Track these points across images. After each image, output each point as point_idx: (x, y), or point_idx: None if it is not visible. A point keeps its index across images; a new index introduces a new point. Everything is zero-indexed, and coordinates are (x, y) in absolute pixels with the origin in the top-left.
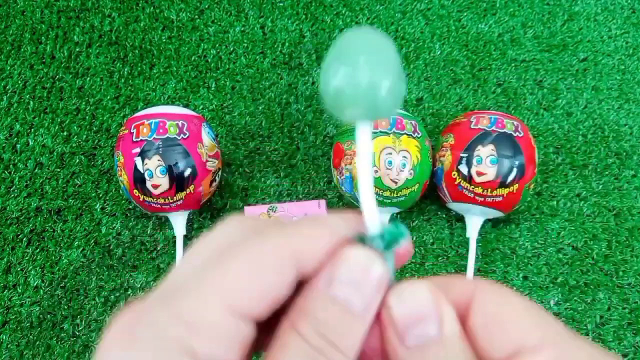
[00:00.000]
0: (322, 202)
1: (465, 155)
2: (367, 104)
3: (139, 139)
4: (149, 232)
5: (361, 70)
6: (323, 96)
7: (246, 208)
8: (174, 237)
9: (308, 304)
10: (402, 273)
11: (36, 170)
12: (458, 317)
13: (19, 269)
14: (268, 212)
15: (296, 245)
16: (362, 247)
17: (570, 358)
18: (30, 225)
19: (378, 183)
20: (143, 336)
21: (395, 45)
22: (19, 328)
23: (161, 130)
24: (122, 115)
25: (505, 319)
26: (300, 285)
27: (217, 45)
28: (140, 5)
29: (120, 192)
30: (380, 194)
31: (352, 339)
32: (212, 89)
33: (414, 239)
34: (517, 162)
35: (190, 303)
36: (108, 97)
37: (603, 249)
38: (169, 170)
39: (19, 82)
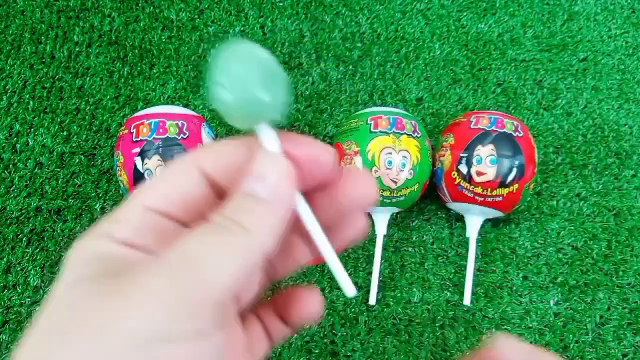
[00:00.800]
0: None
1: (465, 155)
2: (251, 114)
3: (139, 139)
4: None
5: (238, 84)
6: (217, 108)
7: None
8: None
9: (225, 202)
10: (403, 273)
11: (36, 170)
12: None
13: (19, 269)
14: None
15: (196, 155)
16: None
17: None
18: (30, 225)
19: (378, 183)
20: (83, 237)
21: (271, 54)
22: (19, 328)
23: (161, 130)
24: (122, 115)
25: None
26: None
27: (217, 45)
28: (140, 5)
29: (120, 192)
30: (380, 194)
31: (258, 222)
32: None
33: (414, 239)
34: (517, 162)
35: (119, 210)
36: (108, 97)
37: (603, 249)
38: None
39: (19, 82)
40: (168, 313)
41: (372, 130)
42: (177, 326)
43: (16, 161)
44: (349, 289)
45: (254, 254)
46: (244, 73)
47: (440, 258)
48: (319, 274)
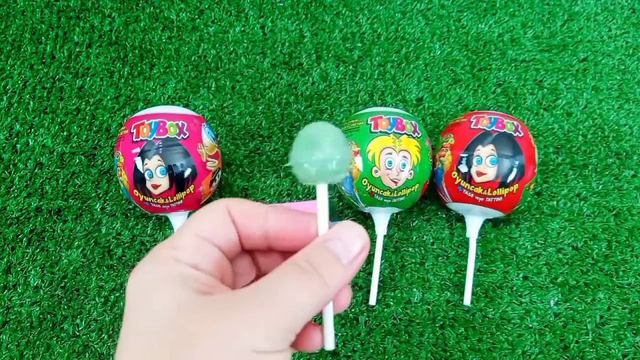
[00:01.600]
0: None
1: (465, 155)
2: (321, 177)
3: (139, 139)
4: (149, 232)
5: (317, 155)
6: (294, 170)
7: None
8: None
9: (306, 249)
10: (403, 273)
11: (36, 170)
12: None
13: (19, 269)
14: None
15: (226, 202)
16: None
17: None
18: (30, 225)
19: (378, 183)
20: (149, 262)
21: (339, 129)
22: (19, 328)
23: (161, 130)
24: (122, 115)
25: None
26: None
27: (217, 45)
28: (140, 5)
29: (120, 192)
30: (381, 194)
31: (334, 277)
32: (212, 89)
33: (414, 239)
34: (517, 162)
35: (174, 239)
36: (108, 97)
37: (603, 249)
38: (169, 170)
39: (19, 82)
40: (272, 336)
41: (372, 130)
42: (272, 345)
43: (16, 161)
44: (329, 342)
45: (325, 302)
46: (331, 142)
47: (440, 258)
48: None
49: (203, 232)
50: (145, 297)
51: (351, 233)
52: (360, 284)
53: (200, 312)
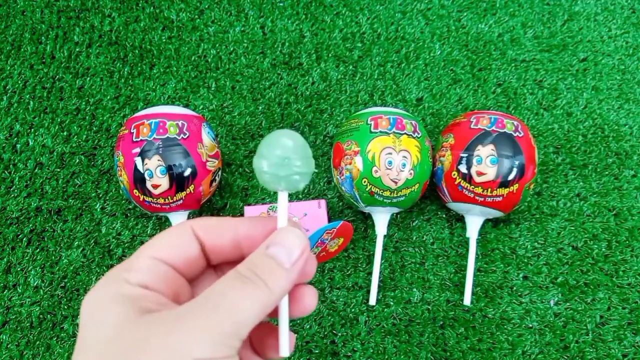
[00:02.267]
0: (322, 202)
1: (465, 155)
2: (282, 185)
3: (139, 139)
4: (149, 232)
5: (275, 163)
6: (257, 176)
7: (246, 208)
8: None
9: (248, 257)
10: (403, 273)
11: (36, 170)
12: None
13: (19, 269)
14: (268, 211)
15: (191, 222)
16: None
17: None
18: (30, 225)
19: (378, 183)
20: (102, 283)
21: (304, 139)
22: (19, 328)
23: (161, 130)
24: (122, 115)
25: None
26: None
27: (217, 45)
28: (140, 5)
29: (120, 192)
30: (381, 194)
31: (277, 282)
32: (212, 89)
33: (414, 239)
34: (517, 162)
35: (129, 261)
36: (108, 97)
37: (603, 249)
38: (169, 170)
39: (19, 82)
40: (213, 344)
41: (372, 130)
42: (214, 352)
43: (16, 161)
44: (284, 349)
45: (269, 307)
46: (281, 151)
47: (440, 258)
48: (319, 274)
49: (158, 253)
50: (95, 315)
51: (291, 237)
52: (360, 284)
53: (145, 327)
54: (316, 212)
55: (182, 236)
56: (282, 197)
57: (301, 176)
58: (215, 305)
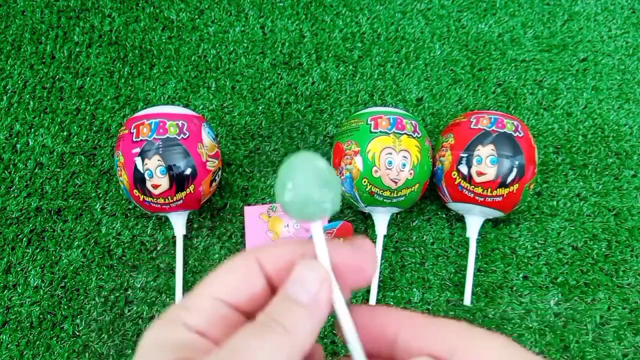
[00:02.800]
0: None
1: (465, 155)
2: (308, 213)
3: (139, 139)
4: (149, 232)
5: (300, 189)
6: (281, 205)
7: (246, 208)
8: (174, 237)
9: (270, 302)
10: (403, 273)
11: (36, 170)
12: None
13: (19, 269)
14: (268, 212)
15: (257, 253)
16: (309, 258)
17: None
18: (30, 225)
19: (378, 183)
20: (160, 322)
21: (327, 163)
22: (19, 328)
23: (161, 130)
24: (122, 115)
25: None
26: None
27: (217, 45)
28: (140, 5)
29: (120, 192)
30: (381, 194)
31: (297, 322)
32: (212, 89)
33: (414, 239)
34: (517, 162)
35: (189, 298)
36: (108, 97)
37: (603, 249)
38: (169, 170)
39: (19, 82)
40: None
41: (372, 130)
42: None
43: (16, 161)
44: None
45: (294, 352)
46: (304, 180)
47: (440, 258)
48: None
49: (221, 293)
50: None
51: (306, 271)
52: None
53: None
54: None
55: (249, 272)
56: (316, 227)
57: (334, 205)
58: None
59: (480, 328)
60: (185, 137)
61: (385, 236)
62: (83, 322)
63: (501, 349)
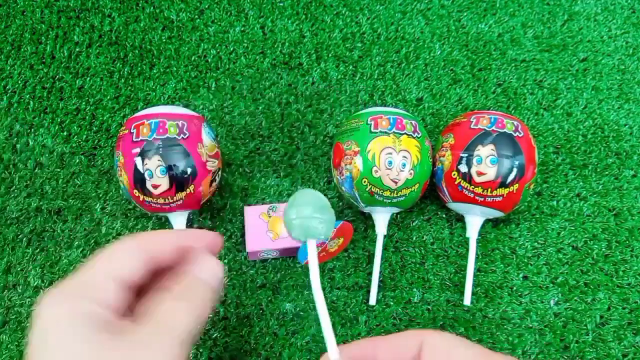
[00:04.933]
0: None
1: (465, 155)
2: (309, 234)
3: (139, 139)
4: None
5: (306, 218)
6: (287, 227)
7: (246, 208)
8: None
9: (181, 281)
10: (403, 273)
11: (36, 170)
12: None
13: (19, 269)
14: (268, 212)
15: (139, 238)
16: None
17: None
18: (30, 225)
19: (378, 183)
20: (58, 294)
21: (325, 196)
22: (19, 328)
23: (161, 130)
24: (122, 115)
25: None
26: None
27: (217, 45)
28: (140, 5)
29: (120, 192)
30: (381, 194)
31: (205, 300)
32: (212, 89)
33: (414, 239)
34: (517, 162)
35: (84, 274)
36: (108, 97)
37: (603, 249)
38: (169, 170)
39: (19, 82)
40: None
41: (372, 130)
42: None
43: (16, 161)
44: (333, 354)
45: (201, 320)
46: (306, 210)
47: (440, 258)
48: (320, 274)
49: (115, 271)
50: (49, 337)
51: (212, 261)
52: (360, 284)
53: (104, 352)
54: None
55: (133, 253)
56: (311, 245)
57: (328, 228)
58: (163, 325)
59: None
60: (185, 137)
61: (385, 236)
62: None
63: (463, 346)
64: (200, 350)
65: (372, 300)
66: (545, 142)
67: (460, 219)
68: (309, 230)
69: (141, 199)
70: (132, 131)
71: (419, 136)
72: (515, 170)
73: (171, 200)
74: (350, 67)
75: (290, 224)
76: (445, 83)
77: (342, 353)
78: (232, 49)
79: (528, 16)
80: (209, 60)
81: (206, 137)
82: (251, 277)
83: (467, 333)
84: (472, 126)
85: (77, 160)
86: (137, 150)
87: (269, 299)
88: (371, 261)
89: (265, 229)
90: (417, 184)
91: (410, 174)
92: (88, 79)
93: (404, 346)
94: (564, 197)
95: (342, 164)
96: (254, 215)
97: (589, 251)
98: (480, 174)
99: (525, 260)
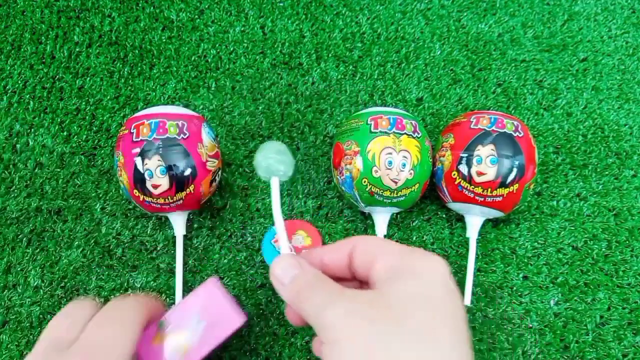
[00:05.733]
0: (211, 281)
1: (465, 155)
2: (271, 172)
3: (139, 139)
4: (149, 232)
5: (270, 160)
6: (256, 168)
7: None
8: (174, 237)
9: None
10: None
11: (36, 170)
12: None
13: (19, 269)
14: (161, 329)
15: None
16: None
17: (406, 258)
18: (30, 225)
19: (378, 183)
20: None
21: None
22: (19, 328)
23: (161, 130)
24: (122, 115)
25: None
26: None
27: (217, 45)
28: (140, 5)
29: (120, 192)
30: (381, 194)
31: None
32: (212, 89)
33: (414, 238)
34: (517, 162)
35: None
36: (108, 97)
37: (603, 249)
38: (169, 170)
39: (19, 82)
40: None
41: (372, 130)
42: None
43: (16, 161)
44: (285, 250)
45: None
46: (268, 152)
47: None
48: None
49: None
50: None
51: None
52: None
53: None
54: (210, 295)
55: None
56: (275, 183)
57: (290, 168)
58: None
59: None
60: (185, 137)
61: (385, 236)
62: None
63: (440, 264)
64: None
65: None
66: (545, 142)
67: (460, 219)
68: (270, 169)
69: (141, 199)
70: (132, 131)
71: (419, 136)
72: (515, 170)
73: (171, 200)
74: (350, 67)
75: (257, 165)
76: (445, 83)
77: (301, 259)
78: (232, 49)
79: (528, 16)
80: (209, 60)
81: (206, 137)
82: (251, 277)
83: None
84: (472, 126)
85: (77, 160)
86: (137, 150)
87: (269, 299)
88: None
89: (163, 353)
90: (417, 184)
91: (410, 174)
92: (88, 79)
93: (340, 250)
94: (564, 197)
95: (342, 164)
96: (146, 347)
97: (589, 251)
98: (480, 174)
99: (525, 260)
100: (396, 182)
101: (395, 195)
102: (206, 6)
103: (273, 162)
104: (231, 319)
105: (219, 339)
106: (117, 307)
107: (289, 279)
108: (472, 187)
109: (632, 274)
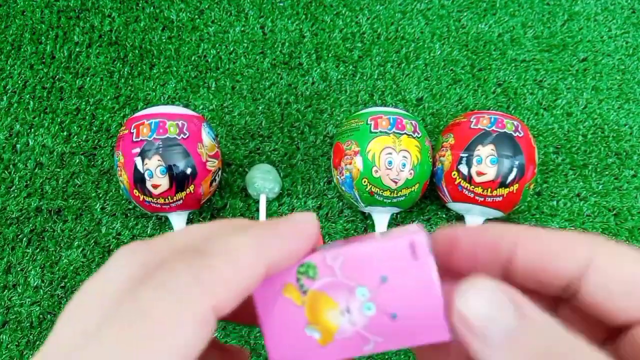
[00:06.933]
0: (418, 236)
1: (465, 155)
2: (260, 190)
3: (139, 139)
4: (149, 232)
5: (259, 183)
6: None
7: (256, 291)
8: None
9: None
10: None
11: (36, 170)
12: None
13: (19, 269)
14: (299, 281)
15: (212, 297)
16: None
17: None
18: (30, 225)
19: (378, 183)
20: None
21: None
22: (19, 328)
23: (161, 130)
24: (122, 115)
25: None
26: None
27: (217, 45)
28: (140, 5)
29: (120, 192)
30: (380, 193)
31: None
32: (212, 89)
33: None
34: (517, 162)
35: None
36: (108, 97)
37: None
38: (169, 170)
39: (19, 82)
40: None
41: (372, 130)
42: None
43: (16, 161)
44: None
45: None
46: (257, 176)
47: None
48: None
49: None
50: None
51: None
52: None
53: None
54: (405, 268)
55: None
56: (262, 200)
57: (270, 183)
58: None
59: (614, 241)
60: (185, 137)
61: None
62: None
63: None
64: None
65: None
66: (545, 142)
67: (460, 219)
68: (259, 188)
69: (141, 199)
70: (132, 131)
71: (419, 136)
72: (515, 170)
73: (171, 200)
74: (350, 67)
75: (247, 184)
76: (445, 83)
77: (515, 294)
78: (232, 49)
79: (528, 16)
80: (209, 60)
81: (206, 137)
82: None
83: None
84: (472, 126)
85: (77, 160)
86: (137, 150)
87: None
88: None
89: (302, 323)
90: (417, 184)
91: (410, 174)
92: (88, 79)
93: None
94: (564, 197)
95: (342, 164)
96: (271, 298)
97: None
98: (480, 174)
99: None
100: (396, 182)
101: (395, 195)
102: (206, 6)
103: (262, 181)
104: (435, 320)
105: (409, 340)
106: (274, 227)
107: (503, 331)
108: (472, 187)
109: None
